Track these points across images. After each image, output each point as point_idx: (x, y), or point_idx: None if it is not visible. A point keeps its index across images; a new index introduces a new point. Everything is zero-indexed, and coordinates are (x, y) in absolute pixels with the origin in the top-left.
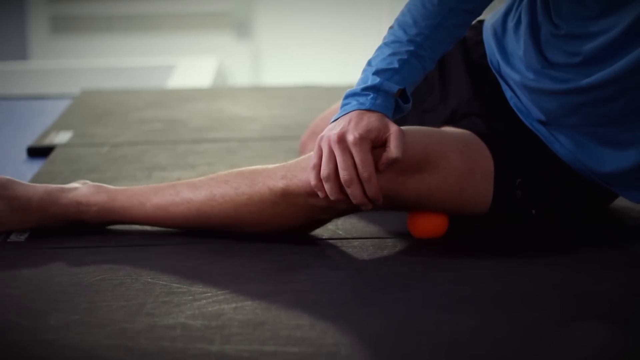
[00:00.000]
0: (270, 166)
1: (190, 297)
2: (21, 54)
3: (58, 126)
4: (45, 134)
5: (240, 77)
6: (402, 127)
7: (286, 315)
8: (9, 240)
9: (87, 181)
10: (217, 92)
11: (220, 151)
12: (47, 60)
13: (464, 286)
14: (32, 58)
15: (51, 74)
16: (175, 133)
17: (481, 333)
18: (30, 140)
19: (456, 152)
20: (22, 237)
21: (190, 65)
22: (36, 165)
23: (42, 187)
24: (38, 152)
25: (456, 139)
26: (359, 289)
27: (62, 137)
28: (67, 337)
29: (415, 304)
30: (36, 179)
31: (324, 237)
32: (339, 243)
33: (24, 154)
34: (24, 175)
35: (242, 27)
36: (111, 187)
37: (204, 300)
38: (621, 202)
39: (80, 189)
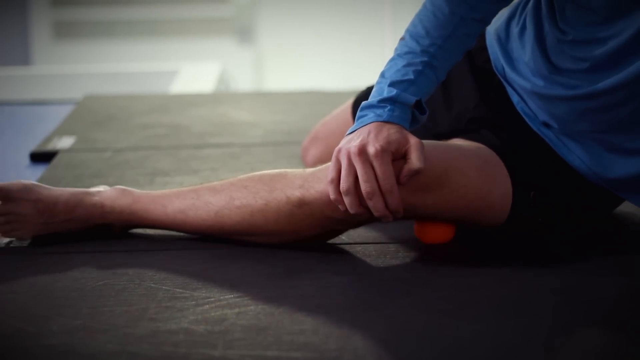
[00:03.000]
0: (291, 172)
1: (193, 302)
2: (24, 59)
3: (61, 131)
4: (48, 139)
5: (243, 82)
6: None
7: (289, 320)
8: (11, 245)
9: (106, 186)
10: (220, 97)
11: (222, 156)
12: (50, 65)
13: (466, 292)
14: (35, 63)
15: (54, 79)
16: (177, 138)
17: (483, 338)
18: (32, 145)
19: (475, 169)
20: (26, 242)
21: (193, 71)
22: (39, 171)
23: (67, 190)
24: (41, 157)
25: (474, 155)
26: (362, 294)
27: (64, 143)
28: (70, 343)
29: (417, 309)
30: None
31: (327, 242)
32: (342, 248)
33: (26, 159)
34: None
35: (244, 33)
36: (137, 190)
37: (207, 306)
38: (625, 207)
39: (106, 192)
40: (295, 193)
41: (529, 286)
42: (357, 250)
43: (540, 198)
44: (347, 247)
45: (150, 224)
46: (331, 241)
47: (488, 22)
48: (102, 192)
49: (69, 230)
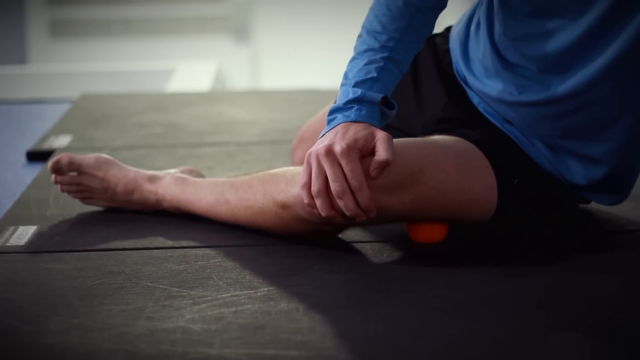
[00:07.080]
0: (282, 172)
1: (190, 301)
2: (20, 58)
3: (57, 130)
4: (45, 138)
5: (239, 81)
6: (395, 140)
7: (286, 319)
8: (8, 244)
9: (190, 168)
10: (216, 96)
11: (219, 155)
12: (46, 64)
13: (462, 290)
14: (31, 62)
15: (50, 78)
16: (174, 137)
17: (479, 336)
18: (29, 144)
19: (453, 164)
20: (22, 241)
21: (190, 69)
22: (35, 170)
23: (132, 172)
24: (37, 156)
25: (451, 150)
26: (358, 293)
27: (61, 141)
28: (67, 341)
29: (413, 308)
30: (35, 183)
31: (323, 241)
32: (338, 247)
33: (23, 158)
34: (24, 179)
35: (241, 31)
36: (192, 179)
37: (204, 304)
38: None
39: (165, 179)
40: (279, 197)
41: (523, 285)
42: (353, 249)
43: (524, 185)
44: (343, 246)
45: (193, 213)
46: (327, 240)
47: (443, 7)
48: (161, 179)
49: (132, 209)
